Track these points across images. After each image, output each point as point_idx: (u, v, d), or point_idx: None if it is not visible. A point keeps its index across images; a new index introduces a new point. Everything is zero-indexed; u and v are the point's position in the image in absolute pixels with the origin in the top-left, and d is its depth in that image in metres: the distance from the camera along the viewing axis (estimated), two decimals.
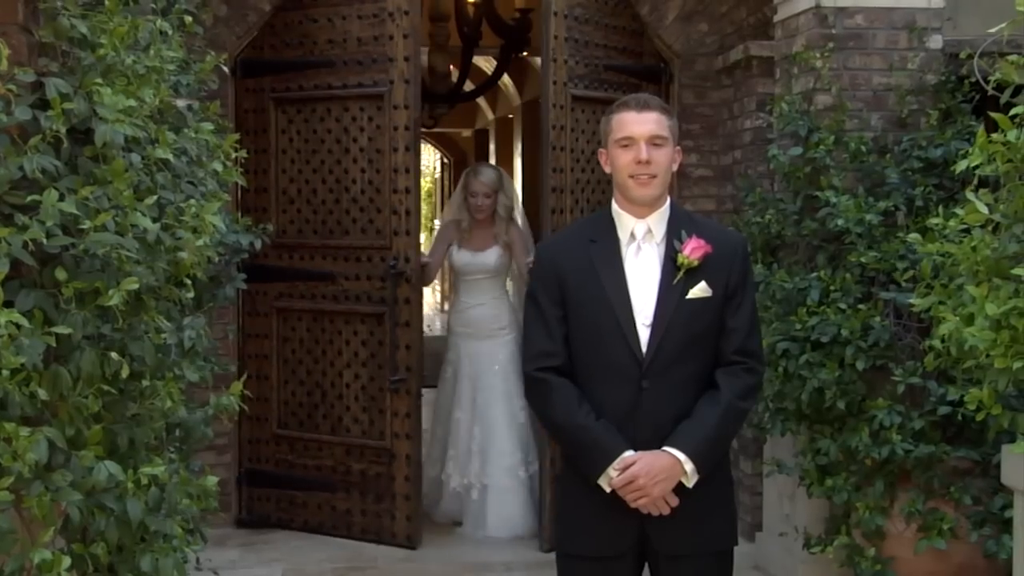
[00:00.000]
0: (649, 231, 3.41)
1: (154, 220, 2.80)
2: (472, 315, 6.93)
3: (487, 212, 6.86)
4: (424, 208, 30.80)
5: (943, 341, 3.35)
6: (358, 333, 6.57)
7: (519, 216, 7.09)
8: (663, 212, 3.43)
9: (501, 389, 6.82)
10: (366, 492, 6.58)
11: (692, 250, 3.34)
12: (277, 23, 6.67)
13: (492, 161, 17.68)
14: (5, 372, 2.38)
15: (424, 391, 6.61)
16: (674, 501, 3.31)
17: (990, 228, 3.29)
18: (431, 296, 22.60)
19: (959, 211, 3.35)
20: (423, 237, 32.75)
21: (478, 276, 6.90)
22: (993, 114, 3.21)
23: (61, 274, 2.55)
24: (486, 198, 6.83)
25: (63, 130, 2.59)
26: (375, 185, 6.45)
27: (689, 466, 3.29)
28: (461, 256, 6.90)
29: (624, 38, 6.74)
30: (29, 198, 2.51)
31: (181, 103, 3.70)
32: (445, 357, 7.10)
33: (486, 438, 6.79)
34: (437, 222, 24.89)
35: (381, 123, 6.41)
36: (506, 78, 13.41)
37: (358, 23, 6.45)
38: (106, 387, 2.67)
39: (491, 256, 6.85)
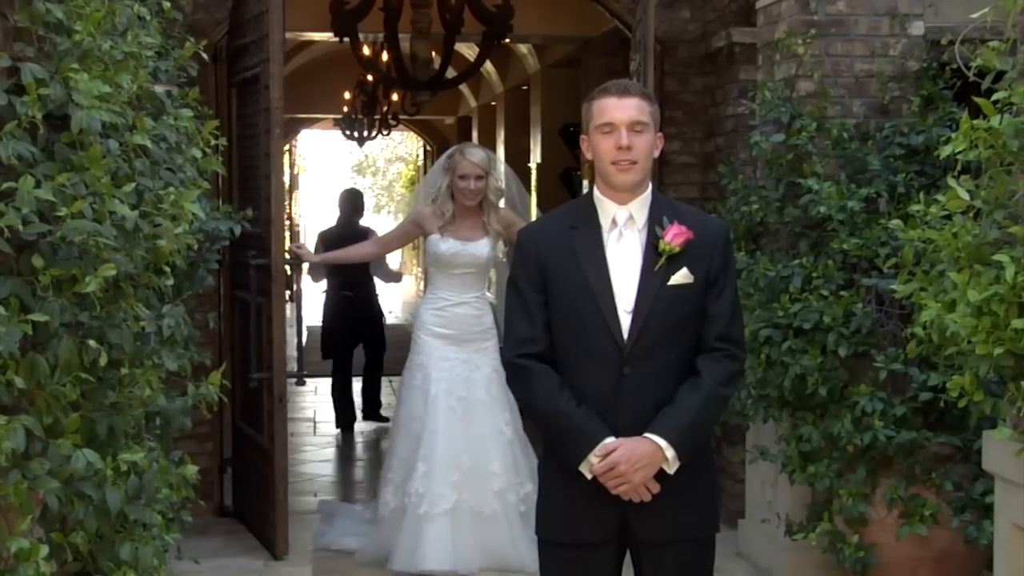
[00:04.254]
0: (631, 217, 3.41)
1: (132, 207, 2.78)
2: (453, 314, 6.05)
3: (478, 198, 6.01)
4: (407, 196, 30.79)
5: (925, 328, 3.35)
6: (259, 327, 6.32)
7: (504, 203, 6.33)
8: (644, 198, 3.42)
9: (484, 401, 5.94)
10: (262, 493, 6.27)
11: (674, 236, 3.33)
12: (235, 6, 6.55)
13: None
14: None
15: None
16: (655, 488, 3.31)
17: (971, 215, 3.29)
18: (414, 285, 22.55)
19: (941, 198, 3.35)
20: None
21: (465, 270, 6.04)
22: (977, 99, 3.20)
23: (38, 261, 2.52)
24: (478, 180, 5.96)
25: (39, 116, 2.56)
26: (263, 171, 6.15)
27: (670, 452, 3.28)
28: (447, 245, 6.00)
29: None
30: (5, 185, 2.48)
31: (160, 89, 3.68)
32: (411, 360, 6.09)
33: (468, 458, 5.86)
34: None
35: (262, 105, 6.11)
36: (489, 65, 13.41)
37: (255, 4, 6.21)
38: (84, 375, 2.65)
39: (482, 247, 6.02)
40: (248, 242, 6.04)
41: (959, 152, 3.21)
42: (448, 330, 6.04)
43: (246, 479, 6.65)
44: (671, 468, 3.30)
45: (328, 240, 9.31)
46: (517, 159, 13.20)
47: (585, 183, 9.95)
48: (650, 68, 6.00)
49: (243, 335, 6.67)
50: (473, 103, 17.83)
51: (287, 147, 20.18)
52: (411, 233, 6.43)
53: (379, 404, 10.24)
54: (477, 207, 6.05)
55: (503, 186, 6.15)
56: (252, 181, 6.42)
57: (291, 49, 12.92)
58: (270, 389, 6.06)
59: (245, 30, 6.41)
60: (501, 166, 6.49)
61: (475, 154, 6.04)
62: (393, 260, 10.03)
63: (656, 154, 3.47)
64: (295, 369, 8.97)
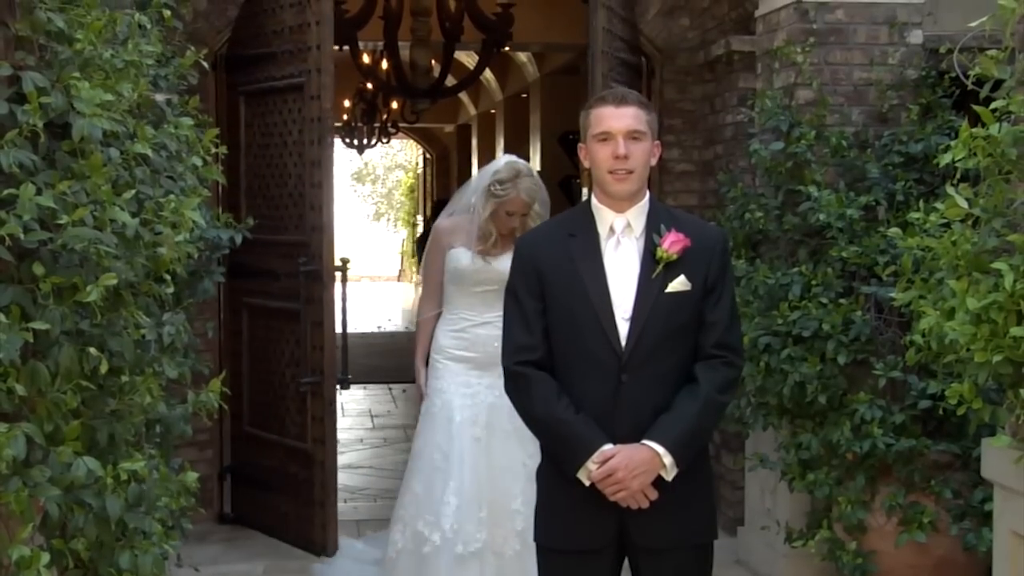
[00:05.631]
0: (628, 225, 3.41)
1: (133, 215, 2.79)
2: (476, 336, 5.42)
3: (521, 231, 5.16)
4: (407, 204, 30.82)
5: (924, 335, 3.36)
6: (295, 332, 6.41)
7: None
8: (642, 206, 3.43)
9: (508, 431, 5.28)
10: (298, 496, 6.40)
11: (671, 244, 3.34)
12: (244, 15, 6.58)
13: (474, 158, 17.69)
14: None
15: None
16: (653, 494, 3.31)
17: (970, 223, 3.30)
18: (413, 292, 22.57)
19: (939, 206, 3.36)
20: (404, 233, 32.63)
21: (488, 287, 5.35)
22: (976, 107, 3.21)
23: (39, 269, 2.53)
24: (525, 217, 5.32)
25: (40, 124, 2.57)
26: (303, 180, 6.26)
27: (668, 459, 3.28)
28: (468, 261, 5.40)
29: (627, 30, 6.67)
30: (6, 192, 2.49)
31: (160, 98, 3.69)
32: (430, 386, 5.51)
33: (491, 493, 5.30)
34: (419, 218, 24.82)
35: (307, 115, 6.21)
36: (488, 73, 13.42)
37: (290, 12, 6.29)
38: (85, 383, 2.66)
39: (506, 262, 4.96)
40: (269, 248, 6.29)
41: (958, 160, 3.22)
42: (470, 353, 5.42)
43: (265, 484, 6.67)
44: (669, 475, 3.31)
45: None
46: None
47: (584, 191, 9.95)
48: (598, 77, 6.06)
49: (251, 341, 6.73)
50: (473, 111, 17.85)
51: None
52: (440, 258, 5.57)
53: None
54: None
55: (544, 213, 5.42)
56: (273, 189, 6.49)
57: None
58: (320, 393, 6.18)
59: (268, 40, 6.45)
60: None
61: (528, 189, 5.34)
62: (393, 266, 9.92)
63: (653, 162, 3.48)
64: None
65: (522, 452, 5.19)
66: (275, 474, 6.56)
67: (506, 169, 5.41)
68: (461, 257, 5.41)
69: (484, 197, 5.37)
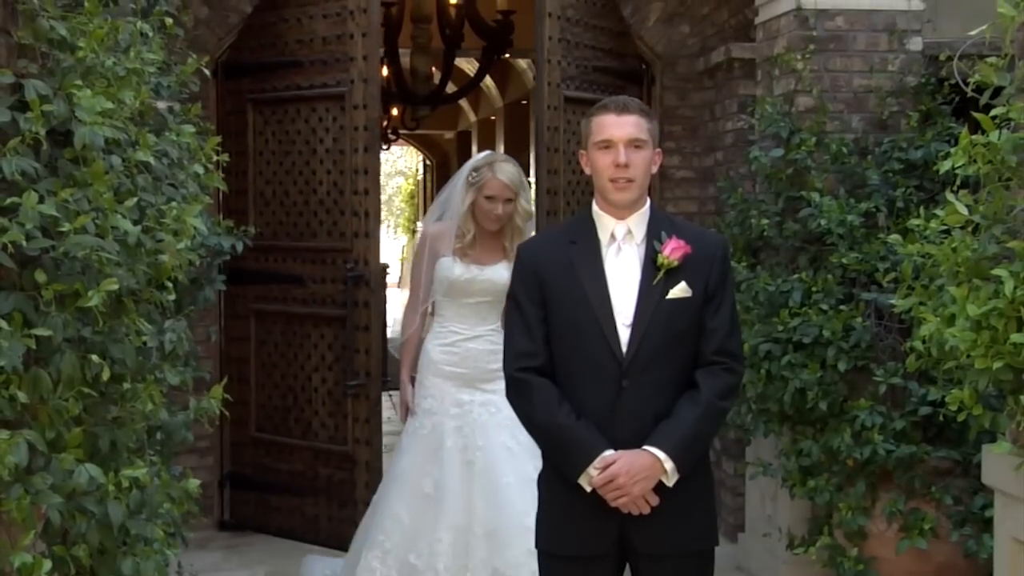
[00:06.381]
0: (629, 232, 3.42)
1: (134, 223, 2.80)
2: (466, 350, 5.10)
3: (503, 223, 5.09)
4: (407, 210, 30.82)
5: (924, 342, 3.36)
6: (324, 336, 6.52)
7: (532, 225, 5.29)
8: (643, 214, 3.44)
9: (511, 447, 4.97)
10: (331, 498, 6.51)
11: (672, 251, 3.35)
12: (255, 24, 6.65)
13: None
14: None
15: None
16: (654, 500, 3.32)
17: (970, 229, 3.30)
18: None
19: (939, 212, 3.37)
20: (404, 240, 32.63)
21: (481, 298, 5.10)
22: (976, 114, 3.22)
23: (41, 276, 2.53)
24: (508, 203, 5.06)
25: (42, 132, 2.58)
26: (339, 187, 6.40)
27: (669, 465, 3.29)
28: (461, 269, 5.10)
29: (610, 39, 6.74)
30: (8, 200, 2.49)
31: (162, 105, 3.69)
32: (418, 404, 5.15)
33: (495, 520, 4.89)
34: (420, 224, 24.82)
35: (344, 123, 6.35)
36: (488, 80, 13.43)
37: (323, 22, 6.41)
38: (86, 390, 2.66)
39: (501, 271, 5.00)
40: (290, 254, 6.53)
41: (958, 167, 3.23)
42: (460, 369, 5.09)
43: (280, 488, 6.71)
44: (670, 481, 3.31)
45: None
46: None
47: None
48: (544, 87, 6.19)
49: (261, 347, 6.78)
50: (473, 117, 17.87)
51: None
52: (429, 266, 5.25)
53: None
54: (500, 231, 5.14)
55: (532, 208, 5.23)
56: (295, 196, 6.59)
57: None
58: (366, 395, 6.29)
59: (289, 49, 6.54)
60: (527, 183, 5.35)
61: (506, 171, 5.07)
62: (393, 273, 9.92)
63: (654, 170, 3.49)
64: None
65: (528, 467, 4.70)
66: (298, 477, 6.62)
67: (483, 158, 5.26)
68: (452, 267, 5.11)
69: (463, 191, 5.13)
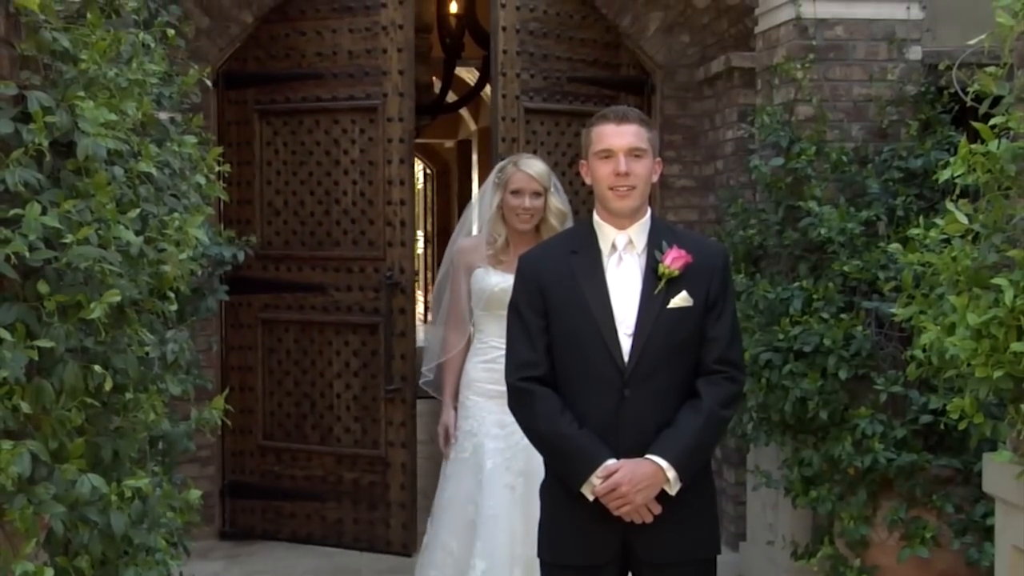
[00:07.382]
0: (630, 242, 3.43)
1: (137, 233, 2.80)
2: None
3: (535, 220, 4.83)
4: None
5: (924, 350, 3.36)
6: (349, 343, 6.61)
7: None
8: (644, 223, 3.45)
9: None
10: (358, 501, 6.62)
11: (673, 260, 3.36)
12: (262, 35, 6.68)
13: (474, 173, 17.69)
14: None
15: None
16: (657, 509, 3.32)
17: (970, 238, 3.31)
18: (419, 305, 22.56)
19: (939, 221, 3.37)
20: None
21: None
22: (975, 124, 3.23)
23: (43, 287, 2.54)
24: (536, 198, 4.81)
25: (45, 143, 2.58)
26: (367, 197, 6.51)
27: (672, 473, 3.29)
28: (496, 279, 4.83)
29: (595, 50, 6.80)
30: (11, 211, 2.50)
31: (164, 116, 3.70)
32: (460, 427, 4.94)
33: (529, 546, 4.23)
34: (420, 233, 24.82)
35: (374, 135, 6.47)
36: (489, 89, 13.42)
37: (349, 36, 6.52)
38: (89, 400, 2.66)
39: None
40: (306, 263, 6.65)
41: (957, 176, 3.23)
42: (502, 387, 4.42)
43: (295, 494, 6.77)
44: (672, 489, 3.32)
45: None
46: None
47: None
48: (498, 100, 6.32)
49: (269, 356, 6.82)
50: (473, 126, 17.85)
51: None
52: (465, 281, 5.00)
53: None
54: (533, 232, 4.86)
55: (567, 208, 4.94)
56: (312, 207, 6.68)
57: None
58: (402, 399, 6.46)
59: (308, 61, 6.63)
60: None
61: (532, 165, 4.86)
62: None
63: (655, 179, 3.50)
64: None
65: None
66: (317, 482, 6.70)
67: (508, 158, 5.10)
68: (486, 277, 4.87)
69: (491, 194, 4.94)
